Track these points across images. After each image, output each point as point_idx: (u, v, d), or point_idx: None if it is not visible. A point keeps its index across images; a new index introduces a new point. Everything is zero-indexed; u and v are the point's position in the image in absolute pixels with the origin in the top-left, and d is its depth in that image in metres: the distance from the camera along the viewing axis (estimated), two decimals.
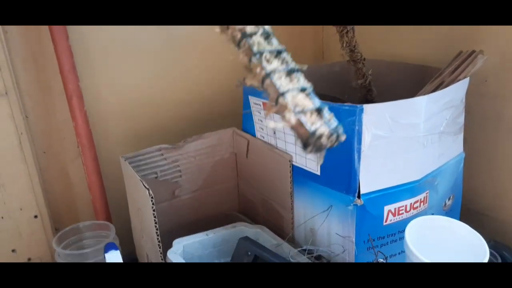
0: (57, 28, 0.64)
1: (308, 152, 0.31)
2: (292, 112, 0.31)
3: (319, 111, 0.31)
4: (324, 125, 0.31)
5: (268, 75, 0.32)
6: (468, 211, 0.69)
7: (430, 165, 0.57)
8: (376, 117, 0.51)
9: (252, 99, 0.66)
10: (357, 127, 0.52)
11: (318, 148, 0.31)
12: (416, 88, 0.64)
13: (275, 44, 0.34)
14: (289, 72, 0.33)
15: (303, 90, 0.32)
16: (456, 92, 0.57)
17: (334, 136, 0.31)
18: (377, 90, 0.70)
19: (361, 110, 0.50)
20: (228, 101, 0.81)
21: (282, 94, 0.32)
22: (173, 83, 0.80)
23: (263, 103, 0.64)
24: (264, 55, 0.33)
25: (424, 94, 0.59)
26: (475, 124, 0.69)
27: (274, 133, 0.63)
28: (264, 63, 0.33)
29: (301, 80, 0.33)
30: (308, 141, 0.30)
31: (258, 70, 0.33)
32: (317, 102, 0.32)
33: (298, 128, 0.31)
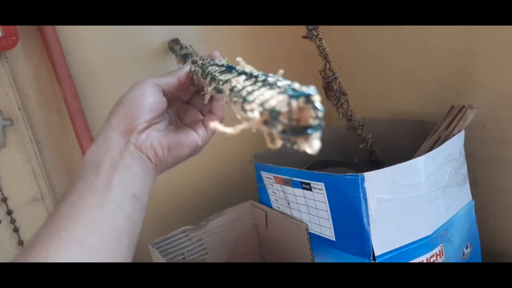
0: (81, 129, 0.72)
1: (287, 141, 0.25)
2: (257, 106, 0.27)
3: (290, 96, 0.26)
4: (282, 94, 0.26)
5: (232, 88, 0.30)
6: (490, 254, 0.70)
7: (439, 219, 0.59)
8: (377, 182, 0.55)
9: (264, 174, 0.71)
10: (361, 194, 0.55)
11: (293, 130, 0.25)
12: (417, 142, 0.67)
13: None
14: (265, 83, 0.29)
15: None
16: (453, 146, 0.60)
17: (301, 101, 0.25)
18: (381, 148, 0.74)
19: (362, 178, 0.54)
20: (243, 174, 0.86)
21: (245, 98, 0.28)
22: (189, 162, 0.85)
23: (274, 177, 0.68)
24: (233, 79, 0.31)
25: (423, 151, 0.63)
26: (482, 169, 0.71)
27: (288, 203, 0.67)
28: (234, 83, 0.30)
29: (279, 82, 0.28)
30: (272, 122, 0.25)
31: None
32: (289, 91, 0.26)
33: (264, 122, 0.26)
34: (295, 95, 0.25)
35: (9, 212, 0.68)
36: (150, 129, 0.41)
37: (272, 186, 0.70)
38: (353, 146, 0.78)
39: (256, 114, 0.26)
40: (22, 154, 0.68)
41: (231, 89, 0.31)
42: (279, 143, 0.27)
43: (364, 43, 0.87)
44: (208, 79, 0.38)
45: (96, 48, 0.74)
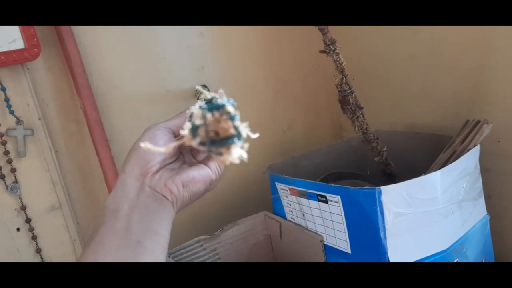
0: (99, 139, 0.73)
1: (211, 153, 0.28)
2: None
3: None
4: (198, 110, 0.28)
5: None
6: None
7: (455, 234, 0.60)
8: (394, 196, 0.55)
9: (279, 185, 0.71)
10: (378, 208, 0.55)
11: (212, 141, 0.28)
12: (431, 155, 0.68)
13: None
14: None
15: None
16: (468, 160, 0.61)
17: (216, 113, 0.27)
18: (395, 161, 0.75)
19: (380, 192, 0.55)
20: (257, 185, 0.87)
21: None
22: None
23: (289, 189, 0.69)
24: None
25: (438, 165, 0.63)
26: (497, 183, 0.72)
27: (303, 215, 0.68)
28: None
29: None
30: (194, 136, 0.28)
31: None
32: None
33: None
34: (209, 108, 0.27)
35: (28, 220, 0.69)
36: (163, 169, 0.43)
37: (287, 197, 0.70)
38: (366, 157, 0.78)
39: (186, 132, 0.29)
40: (41, 163, 0.70)
41: (190, 116, 0.34)
42: (227, 161, 0.29)
43: (378, 55, 0.88)
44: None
45: (115, 59, 0.75)
